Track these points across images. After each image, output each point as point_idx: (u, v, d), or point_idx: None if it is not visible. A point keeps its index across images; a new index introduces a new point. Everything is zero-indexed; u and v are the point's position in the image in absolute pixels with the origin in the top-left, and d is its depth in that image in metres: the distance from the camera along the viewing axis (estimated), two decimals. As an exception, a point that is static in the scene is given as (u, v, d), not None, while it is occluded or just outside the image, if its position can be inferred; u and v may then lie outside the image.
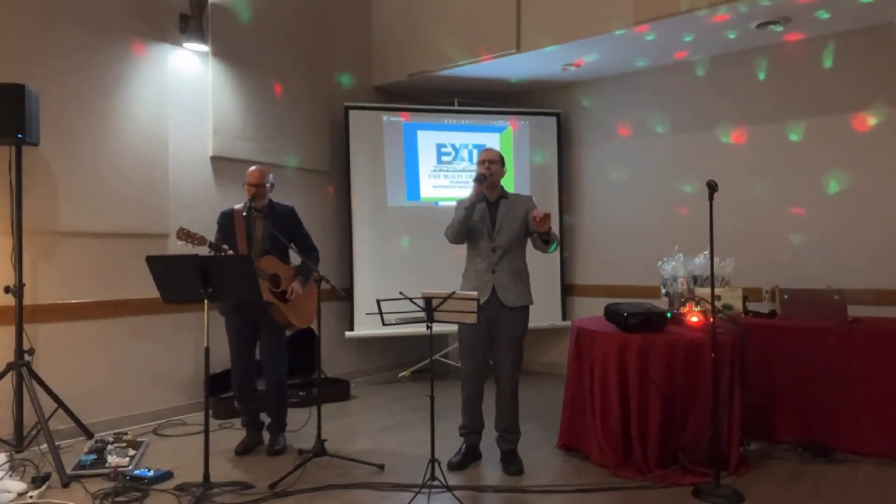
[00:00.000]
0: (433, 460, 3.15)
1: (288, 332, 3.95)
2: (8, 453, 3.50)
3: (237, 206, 3.87)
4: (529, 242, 3.62)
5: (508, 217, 3.55)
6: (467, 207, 3.52)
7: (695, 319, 3.72)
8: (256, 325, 3.82)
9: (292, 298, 3.79)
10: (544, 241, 3.44)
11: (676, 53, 5.40)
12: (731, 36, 4.97)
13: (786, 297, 4.02)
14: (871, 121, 4.77)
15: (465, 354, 3.63)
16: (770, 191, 5.17)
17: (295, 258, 3.89)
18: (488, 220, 3.57)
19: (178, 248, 4.46)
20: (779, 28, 4.76)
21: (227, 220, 3.84)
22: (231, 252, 3.62)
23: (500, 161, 3.64)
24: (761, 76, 5.21)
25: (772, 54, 5.15)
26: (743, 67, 5.29)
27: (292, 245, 3.80)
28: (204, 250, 3.70)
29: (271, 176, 3.90)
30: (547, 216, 3.33)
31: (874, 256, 4.72)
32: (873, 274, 4.69)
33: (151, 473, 3.35)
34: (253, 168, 3.89)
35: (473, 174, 3.64)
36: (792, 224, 5.07)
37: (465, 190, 3.65)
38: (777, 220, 5.14)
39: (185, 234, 3.51)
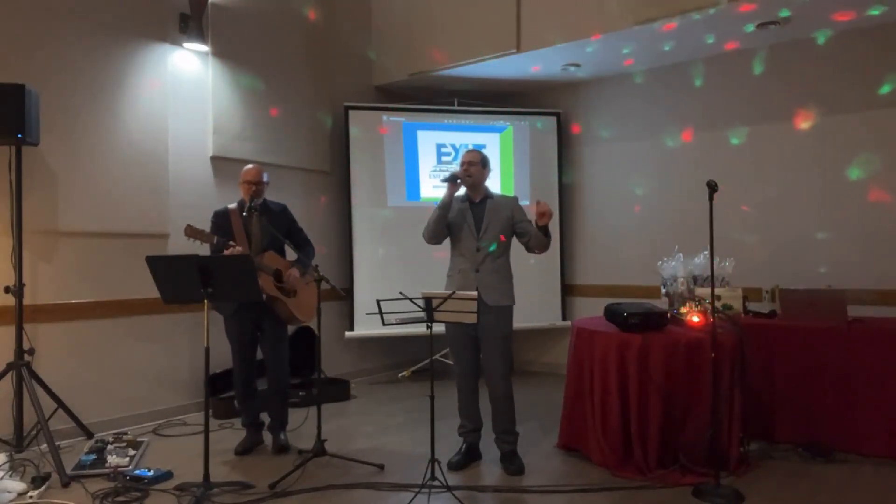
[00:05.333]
0: (433, 460, 3.15)
1: (291, 328, 3.95)
2: (8, 453, 3.50)
3: (231, 206, 3.88)
4: (516, 245, 3.63)
5: (494, 218, 3.55)
6: (440, 207, 3.54)
7: (695, 319, 3.71)
8: (259, 324, 3.83)
9: (288, 281, 3.80)
10: (544, 233, 3.45)
11: (677, 53, 5.40)
12: (734, 34, 4.96)
13: (780, 297, 4.01)
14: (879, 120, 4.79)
15: (453, 355, 3.65)
16: (771, 191, 5.17)
17: (291, 254, 3.90)
18: (472, 221, 3.57)
19: (178, 248, 4.49)
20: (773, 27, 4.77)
21: (222, 220, 3.83)
22: (238, 248, 3.63)
23: (482, 162, 3.62)
24: (758, 70, 5.22)
25: (773, 51, 5.15)
26: (743, 66, 5.29)
27: (288, 241, 3.83)
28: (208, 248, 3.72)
29: (266, 174, 3.92)
30: (548, 212, 3.38)
31: (874, 256, 4.72)
32: (873, 274, 4.69)
33: (151, 473, 3.35)
34: (250, 167, 3.90)
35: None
36: (792, 224, 5.07)
37: (461, 190, 3.67)
38: (778, 221, 5.13)
39: (193, 232, 3.54)
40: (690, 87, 5.57)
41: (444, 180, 3.57)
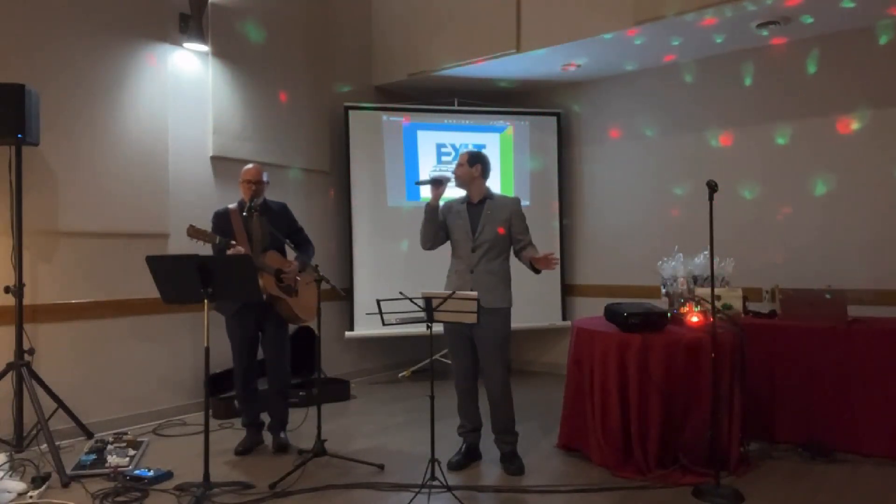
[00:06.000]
0: (433, 460, 3.15)
1: (292, 328, 3.96)
2: (8, 453, 3.50)
3: (231, 206, 3.88)
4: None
5: (491, 218, 3.54)
6: (426, 211, 3.55)
7: (695, 319, 3.71)
8: (261, 324, 3.83)
9: (289, 274, 3.80)
10: (534, 271, 3.53)
11: (674, 55, 5.39)
12: (719, 40, 4.97)
13: (780, 297, 4.02)
14: (854, 125, 4.80)
15: (451, 356, 3.65)
16: (770, 191, 5.17)
17: (292, 254, 3.91)
18: (468, 222, 3.56)
19: (178, 248, 4.49)
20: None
21: (223, 220, 3.83)
22: (240, 248, 3.62)
23: (470, 161, 3.58)
24: (747, 80, 5.22)
25: (761, 56, 5.16)
26: (740, 68, 5.29)
27: (288, 241, 3.84)
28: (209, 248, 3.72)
29: (266, 173, 3.92)
30: (548, 261, 3.40)
31: (874, 256, 4.71)
32: (873, 274, 4.68)
33: (151, 473, 3.35)
34: (249, 166, 3.90)
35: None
36: (792, 224, 5.07)
37: (462, 191, 3.68)
38: (777, 221, 5.13)
39: (195, 232, 3.54)
40: (689, 88, 5.57)
41: (418, 183, 3.61)
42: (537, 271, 3.52)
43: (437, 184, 3.55)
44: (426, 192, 3.65)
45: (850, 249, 4.81)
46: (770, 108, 5.17)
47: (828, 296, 3.85)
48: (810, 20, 4.59)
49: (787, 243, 5.07)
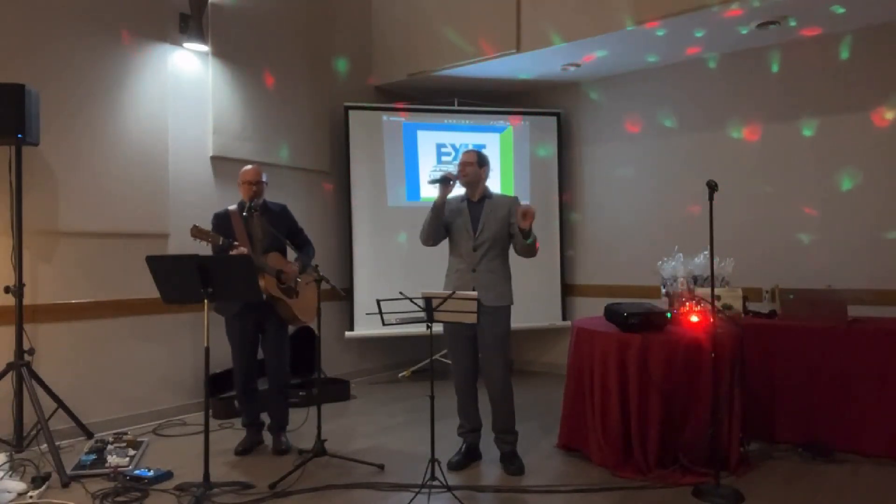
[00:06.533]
0: (433, 460, 3.15)
1: (291, 328, 3.96)
2: (8, 453, 3.50)
3: (231, 207, 3.87)
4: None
5: (491, 217, 3.54)
6: (433, 209, 3.55)
7: (695, 319, 3.71)
8: (261, 324, 3.83)
9: (288, 276, 3.80)
10: (524, 237, 3.41)
11: (684, 50, 5.35)
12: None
13: (791, 296, 4.01)
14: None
15: (451, 356, 3.65)
16: (772, 189, 5.17)
17: (293, 254, 3.91)
18: (468, 220, 3.56)
19: (178, 248, 4.50)
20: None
21: (223, 221, 3.83)
22: (243, 249, 3.62)
23: (479, 162, 3.61)
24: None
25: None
26: (755, 63, 5.26)
27: (289, 242, 3.83)
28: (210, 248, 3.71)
29: (265, 174, 3.92)
30: (530, 212, 3.34)
31: (875, 256, 4.71)
32: (873, 274, 4.68)
33: (151, 473, 3.35)
34: (248, 167, 3.90)
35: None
36: (793, 223, 5.07)
37: (462, 189, 3.67)
38: (778, 220, 5.14)
39: (199, 232, 3.53)
40: (689, 86, 5.57)
41: (432, 182, 3.58)
42: (527, 236, 3.41)
43: (446, 182, 3.55)
44: (430, 192, 3.64)
45: (852, 249, 4.80)
46: (777, 106, 5.16)
47: (836, 297, 3.84)
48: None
49: (789, 242, 5.07)
